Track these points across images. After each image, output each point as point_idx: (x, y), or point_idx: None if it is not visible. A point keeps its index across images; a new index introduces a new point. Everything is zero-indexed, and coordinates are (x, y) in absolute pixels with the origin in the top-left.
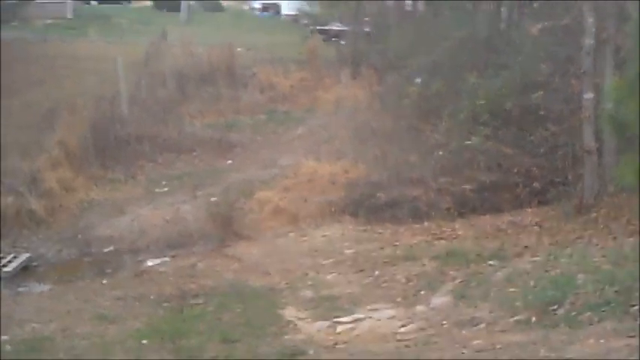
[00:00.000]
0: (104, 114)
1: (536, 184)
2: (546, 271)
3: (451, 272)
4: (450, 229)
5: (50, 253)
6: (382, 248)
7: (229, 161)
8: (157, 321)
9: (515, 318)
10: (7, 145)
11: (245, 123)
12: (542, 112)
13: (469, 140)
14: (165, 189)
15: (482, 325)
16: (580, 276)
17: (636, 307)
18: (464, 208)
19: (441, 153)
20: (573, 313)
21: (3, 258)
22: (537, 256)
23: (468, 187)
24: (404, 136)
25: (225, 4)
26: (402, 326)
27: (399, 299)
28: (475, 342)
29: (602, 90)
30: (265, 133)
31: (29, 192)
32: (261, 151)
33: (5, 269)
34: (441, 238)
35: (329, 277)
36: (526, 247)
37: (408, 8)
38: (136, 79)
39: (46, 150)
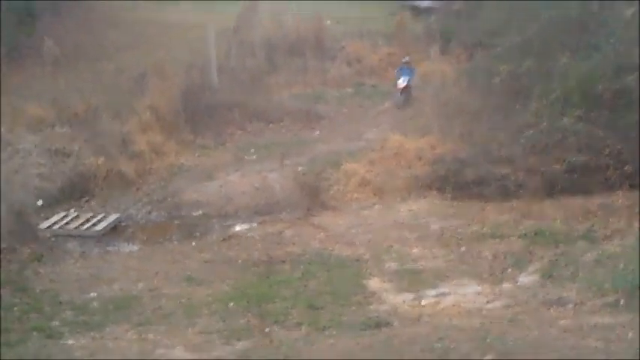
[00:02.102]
0: (194, 81)
1: (627, 168)
2: (635, 254)
3: (539, 251)
4: (538, 209)
5: (139, 215)
6: (468, 225)
7: (316, 132)
8: (243, 285)
9: (604, 300)
10: (100, 107)
11: (332, 95)
12: (634, 95)
13: (560, 121)
14: (254, 157)
15: (570, 306)
16: None
17: None
18: (553, 189)
19: (531, 132)
20: None
21: (93, 217)
22: (627, 239)
23: (557, 167)
24: (492, 115)
25: None
26: (488, 302)
27: (485, 276)
28: (562, 322)
29: None
30: (352, 106)
31: (120, 154)
32: (347, 124)
33: (95, 228)
34: (529, 218)
35: (414, 250)
36: (616, 230)
37: None
38: (225, 47)
39: (137, 113)
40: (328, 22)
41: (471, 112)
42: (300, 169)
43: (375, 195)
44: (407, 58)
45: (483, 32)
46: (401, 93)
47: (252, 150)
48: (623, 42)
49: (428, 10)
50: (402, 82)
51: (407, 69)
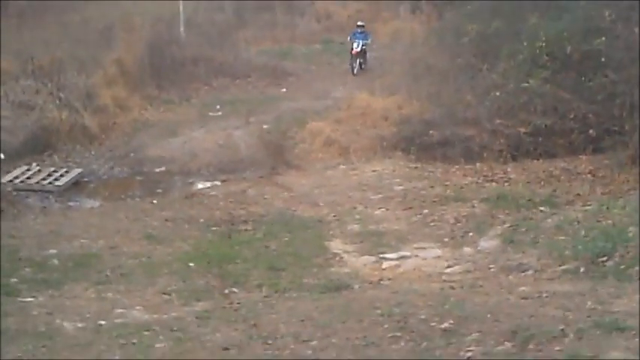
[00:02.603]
0: (161, 35)
1: (591, 132)
2: (598, 221)
3: (501, 216)
4: (501, 172)
5: (102, 170)
6: (432, 187)
7: (283, 89)
8: (204, 244)
9: (564, 267)
10: (65, 60)
11: (300, 52)
12: (602, 59)
13: (527, 82)
14: (219, 113)
15: (530, 272)
16: (631, 229)
17: None
18: (517, 152)
19: (497, 94)
20: (622, 266)
21: (55, 172)
22: (589, 205)
23: (522, 130)
24: (460, 75)
25: None
26: (448, 267)
27: (446, 239)
28: (521, 289)
29: None
30: (320, 63)
31: (84, 108)
32: (315, 82)
33: (57, 183)
34: (493, 181)
35: (377, 212)
36: (578, 195)
37: None
38: (194, 1)
39: (102, 67)
40: None
41: (438, 72)
42: (265, 126)
43: (339, 155)
44: (361, 22)
45: None
46: (355, 58)
47: (218, 106)
48: (593, 4)
49: None
50: (356, 47)
51: (361, 33)
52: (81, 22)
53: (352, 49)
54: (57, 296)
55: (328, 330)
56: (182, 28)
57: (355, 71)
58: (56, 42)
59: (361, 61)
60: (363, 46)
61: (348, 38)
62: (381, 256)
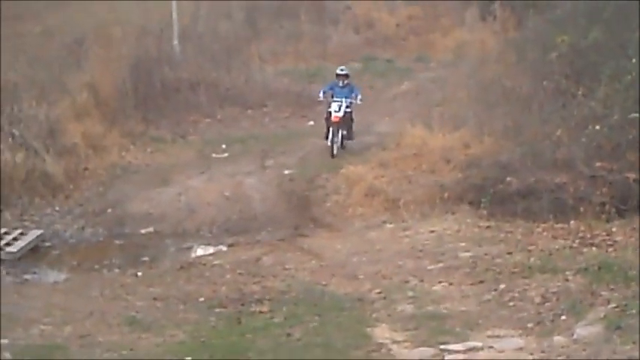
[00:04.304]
0: (148, 51)
1: None
2: None
3: (603, 293)
4: (604, 233)
5: (69, 232)
6: (510, 253)
7: (310, 122)
8: (206, 332)
9: None
10: (20, 83)
11: (332, 72)
12: None
13: (636, 112)
14: (225, 154)
15: None
16: None
17: None
18: (624, 205)
19: (597, 128)
20: None
21: (7, 234)
22: None
23: (631, 176)
24: (547, 103)
25: None
26: None
27: (530, 325)
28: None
29: None
30: (359, 87)
31: (45, 148)
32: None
33: (9, 249)
34: (592, 245)
35: (437, 287)
36: None
37: None
38: (192, 6)
39: (70, 94)
40: None
41: (518, 98)
42: (286, 172)
43: (386, 210)
44: (343, 69)
45: None
46: (336, 128)
47: (224, 145)
48: None
49: None
50: (336, 111)
51: (344, 87)
52: (42, 34)
53: (330, 113)
54: None
55: None
56: (176, 42)
57: (335, 151)
58: (9, 60)
59: (344, 133)
60: (347, 107)
61: (321, 94)
62: (443, 347)
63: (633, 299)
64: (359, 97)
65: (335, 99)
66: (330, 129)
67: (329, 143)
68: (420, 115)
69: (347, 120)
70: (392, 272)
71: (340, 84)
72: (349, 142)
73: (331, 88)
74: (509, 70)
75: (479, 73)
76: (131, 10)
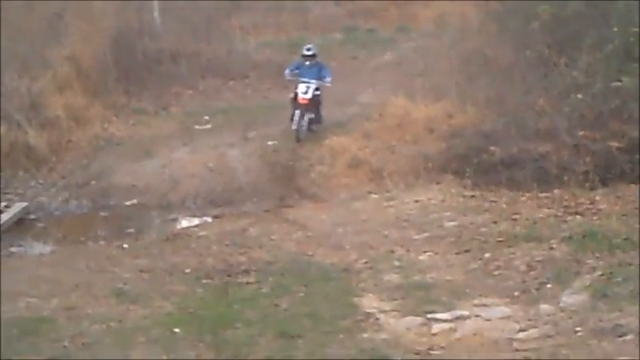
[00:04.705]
0: (129, 23)
1: None
2: None
3: (589, 261)
4: (588, 201)
5: (54, 204)
6: (495, 222)
7: (292, 94)
8: (193, 303)
9: None
10: (1, 57)
11: (315, 43)
12: None
13: (618, 81)
14: (208, 126)
15: (630, 337)
16: None
17: None
18: (608, 173)
19: (579, 97)
20: None
21: None
22: None
23: (614, 144)
24: (530, 73)
25: None
26: (521, 331)
27: (516, 293)
28: (620, 358)
29: None
30: (341, 58)
31: (28, 122)
32: (335, 83)
33: None
34: (577, 213)
35: (422, 257)
36: None
37: None
38: None
39: (52, 67)
40: None
41: (500, 68)
42: (270, 143)
43: (370, 180)
44: (309, 47)
45: None
46: (303, 111)
47: (206, 117)
48: None
49: None
50: (303, 92)
51: (312, 67)
52: (23, 7)
53: (296, 95)
54: None
55: None
56: (156, 14)
57: (301, 135)
58: None
59: (311, 116)
60: (316, 90)
61: (287, 72)
62: (430, 316)
63: (618, 267)
64: (328, 79)
65: (302, 79)
66: (296, 112)
67: (294, 126)
68: (403, 86)
69: (315, 103)
70: (378, 242)
71: (307, 63)
72: (318, 125)
73: (297, 68)
74: (490, 40)
75: (461, 43)
76: None
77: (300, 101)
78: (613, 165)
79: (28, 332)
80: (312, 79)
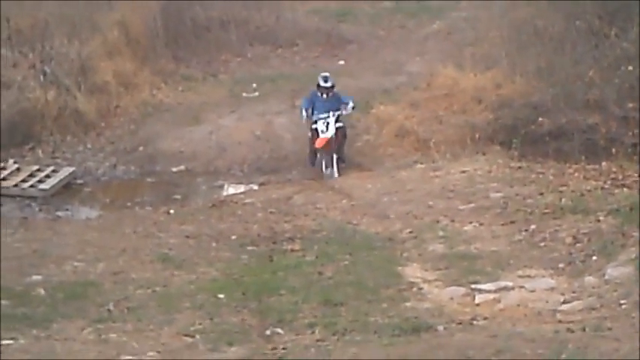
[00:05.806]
0: None
1: None
2: None
3: (635, 233)
4: (635, 174)
5: (101, 169)
6: (542, 194)
7: (341, 62)
8: (238, 270)
9: None
10: (51, 22)
11: (364, 11)
12: None
13: None
14: (256, 94)
15: None
16: None
17: None
18: None
19: (630, 68)
20: None
21: (39, 171)
22: None
23: None
24: (579, 43)
25: None
26: (565, 302)
27: (561, 265)
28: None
29: None
30: (390, 26)
31: (76, 86)
32: (383, 51)
33: (42, 186)
34: (624, 186)
35: (467, 227)
36: None
37: None
38: None
39: (101, 32)
40: None
41: (550, 39)
42: None
43: (416, 150)
44: (327, 78)
45: None
46: (327, 152)
47: (254, 84)
48: None
49: None
50: (323, 130)
51: (330, 99)
52: None
53: (315, 133)
54: (43, 338)
55: None
56: None
57: (332, 173)
58: None
59: (336, 154)
60: (337, 122)
61: (303, 113)
62: (474, 287)
63: None
64: (350, 104)
65: (319, 115)
66: (318, 155)
67: (319, 169)
68: (452, 55)
69: (339, 139)
70: (422, 212)
71: (323, 96)
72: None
73: (311, 102)
74: (541, 10)
75: (511, 12)
76: None
77: (321, 143)
78: None
79: (75, 296)
80: (330, 111)
